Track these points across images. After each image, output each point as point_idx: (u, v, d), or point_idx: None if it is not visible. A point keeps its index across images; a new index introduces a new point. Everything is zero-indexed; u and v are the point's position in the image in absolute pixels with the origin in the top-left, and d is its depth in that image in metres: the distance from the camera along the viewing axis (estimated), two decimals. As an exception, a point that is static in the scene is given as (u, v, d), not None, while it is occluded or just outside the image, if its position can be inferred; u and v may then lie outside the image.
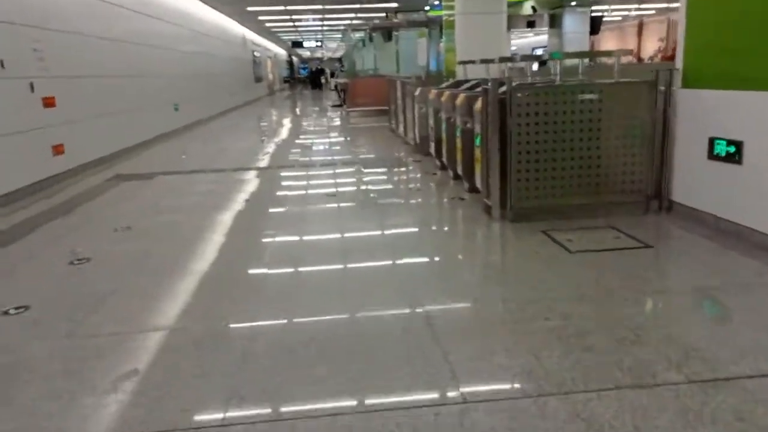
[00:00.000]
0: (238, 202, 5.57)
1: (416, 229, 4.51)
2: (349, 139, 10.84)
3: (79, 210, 5.52)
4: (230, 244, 4.24)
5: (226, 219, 4.93)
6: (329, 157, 8.48)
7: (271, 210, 5.27)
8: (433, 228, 4.59)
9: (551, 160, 4.41)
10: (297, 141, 10.83)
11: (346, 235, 4.36)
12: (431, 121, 6.97)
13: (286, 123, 15.52)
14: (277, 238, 4.35)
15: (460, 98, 5.48)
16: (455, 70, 10.60)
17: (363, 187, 6.09)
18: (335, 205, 5.34)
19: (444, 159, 6.38)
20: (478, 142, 4.92)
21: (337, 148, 9.68)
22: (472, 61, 7.21)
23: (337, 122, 14.62)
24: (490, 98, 4.41)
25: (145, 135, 10.45)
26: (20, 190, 6.17)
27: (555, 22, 20.39)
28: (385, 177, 6.68)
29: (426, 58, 8.74)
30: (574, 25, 20.05)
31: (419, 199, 5.58)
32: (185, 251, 4.07)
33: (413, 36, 18.71)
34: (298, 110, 20.56)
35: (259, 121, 16.97)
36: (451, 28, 11.28)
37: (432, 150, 7.09)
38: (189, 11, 14.67)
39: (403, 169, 7.21)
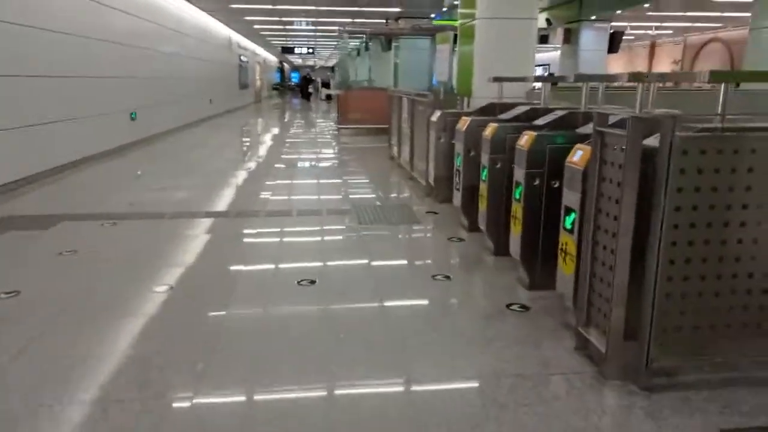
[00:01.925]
0: (149, 302, 3.38)
1: (453, 400, 2.34)
2: (339, 169, 8.67)
3: None
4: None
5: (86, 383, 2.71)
6: (312, 198, 6.33)
7: (199, 324, 3.07)
8: (488, 399, 2.42)
9: (728, 278, 2.30)
10: (273, 169, 8.66)
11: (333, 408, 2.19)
12: (459, 162, 4.86)
13: (266, 140, 13.35)
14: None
15: (528, 139, 3.36)
16: (472, 88, 8.54)
17: (357, 273, 3.94)
18: (311, 310, 3.18)
19: (481, 223, 4.26)
20: (569, 222, 2.80)
21: (324, 183, 7.52)
22: (521, 79, 5.12)
23: (326, 141, 12.48)
24: (626, 152, 2.28)
25: (85, 151, 8.23)
26: None
27: (570, 38, 18.53)
28: (389, 246, 4.55)
29: (448, 70, 6.68)
30: (592, 42, 18.18)
31: (448, 305, 3.44)
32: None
33: (417, 45, 16.71)
34: (282, 123, 18.40)
35: (236, 135, 14.77)
36: (468, 37, 9.24)
37: (456, 201, 4.97)
38: (158, 3, 12.50)
39: (414, 228, 5.07)
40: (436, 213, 5.54)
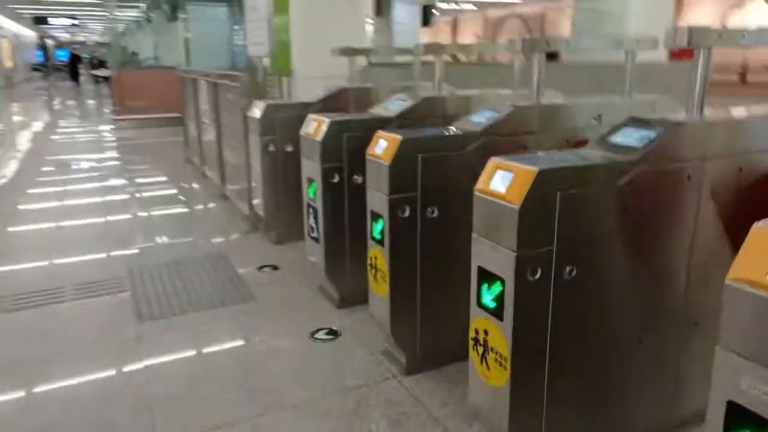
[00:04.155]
0: None
1: None
2: (110, 187, 5.96)
3: None
4: None
5: None
6: (57, 254, 3.75)
7: None
8: None
9: None
10: (12, 201, 5.67)
11: None
12: (313, 193, 2.80)
13: (4, 142, 9.67)
14: None
15: (520, 180, 1.43)
16: (292, 66, 6.46)
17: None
18: None
19: (379, 314, 2.29)
20: None
21: (81, 218, 4.86)
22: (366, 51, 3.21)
23: (98, 139, 9.34)
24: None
25: None
26: None
27: (382, 10, 17.25)
28: (203, 391, 2.37)
29: (268, 39, 4.40)
30: (405, 15, 17.10)
31: None
32: None
33: (211, 15, 13.95)
34: (36, 115, 14.22)
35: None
36: (281, 3, 7.06)
37: (314, 255, 2.94)
38: None
39: (246, 316, 2.91)
40: (275, 268, 3.42)
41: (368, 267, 2.30)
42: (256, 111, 3.67)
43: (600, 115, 2.39)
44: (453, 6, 22.83)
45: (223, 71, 5.42)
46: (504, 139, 2.20)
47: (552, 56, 7.24)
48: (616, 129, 1.72)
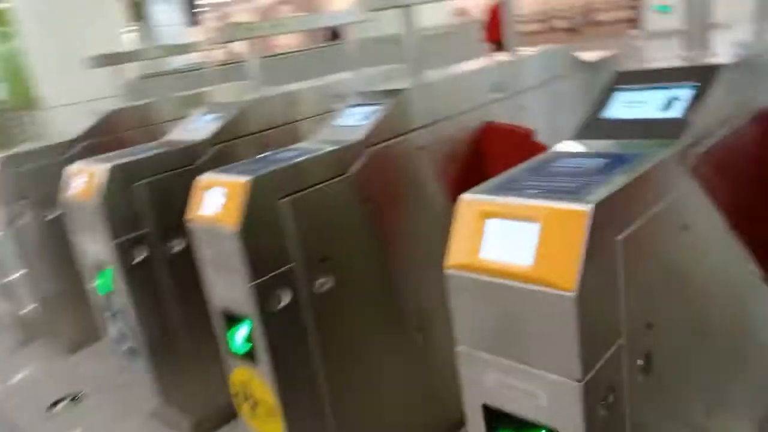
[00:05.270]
0: None
1: None
2: None
3: None
4: None
5: None
6: None
7: None
8: None
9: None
10: None
11: None
12: (110, 284, 1.74)
13: None
14: None
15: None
16: (36, 95, 4.97)
17: None
18: None
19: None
20: None
21: None
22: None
23: None
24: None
25: None
26: None
27: (141, 14, 15.35)
28: None
29: None
30: (167, 16, 15.43)
31: None
32: None
33: None
34: None
35: None
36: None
37: (142, 377, 1.89)
38: None
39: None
40: (75, 399, 2.26)
41: (235, 400, 1.36)
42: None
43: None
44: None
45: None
46: (396, 148, 1.44)
47: (334, 36, 6.52)
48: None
